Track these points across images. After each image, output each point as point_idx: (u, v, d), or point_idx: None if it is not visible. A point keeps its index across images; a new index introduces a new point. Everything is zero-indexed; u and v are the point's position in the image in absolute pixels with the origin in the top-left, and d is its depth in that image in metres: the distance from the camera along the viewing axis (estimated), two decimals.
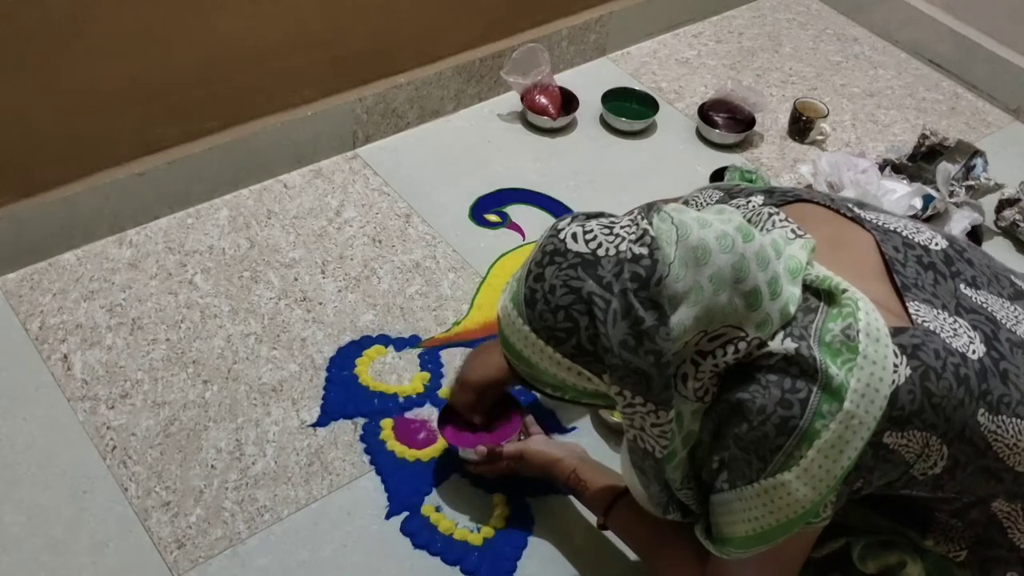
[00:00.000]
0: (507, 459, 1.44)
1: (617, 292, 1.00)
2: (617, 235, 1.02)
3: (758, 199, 1.24)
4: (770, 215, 1.17)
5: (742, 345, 1.05)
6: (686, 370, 1.07)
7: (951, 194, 2.00)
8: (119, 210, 1.83)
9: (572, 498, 1.50)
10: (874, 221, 1.22)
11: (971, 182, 2.02)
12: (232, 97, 1.86)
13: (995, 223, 2.08)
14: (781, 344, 1.05)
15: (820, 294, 1.09)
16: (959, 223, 1.94)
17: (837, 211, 1.24)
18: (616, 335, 1.00)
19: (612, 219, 1.05)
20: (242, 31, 1.79)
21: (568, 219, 1.07)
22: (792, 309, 1.06)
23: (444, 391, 1.63)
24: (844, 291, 1.08)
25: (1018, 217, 2.03)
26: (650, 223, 1.03)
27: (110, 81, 1.69)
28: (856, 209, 1.24)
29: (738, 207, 1.22)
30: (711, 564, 1.18)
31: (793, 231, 1.14)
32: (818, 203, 1.25)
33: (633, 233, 1.02)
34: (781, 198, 1.24)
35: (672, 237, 1.01)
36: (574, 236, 1.04)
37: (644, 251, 1.00)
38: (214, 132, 1.87)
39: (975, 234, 1.98)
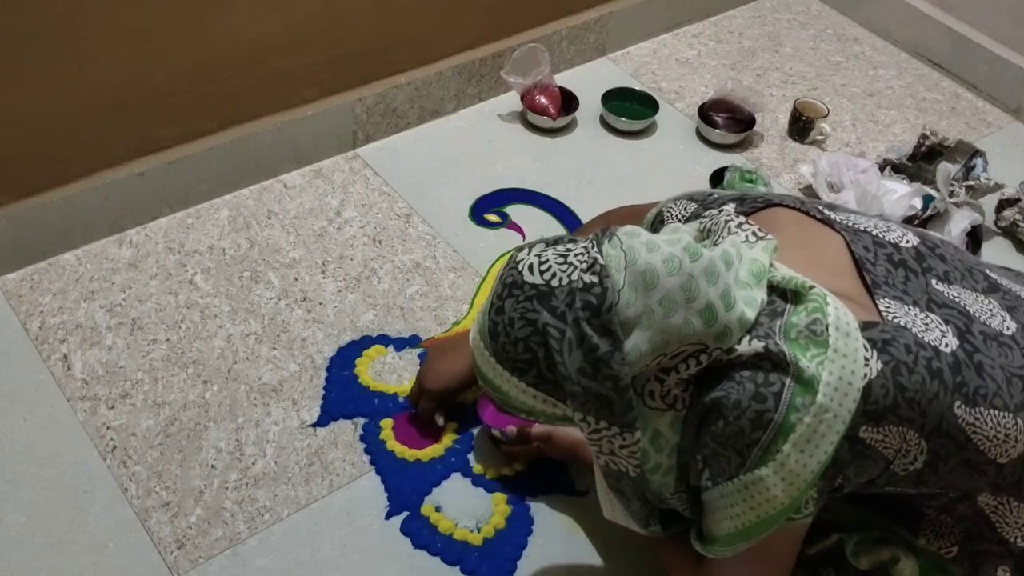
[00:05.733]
0: (536, 440, 1.47)
1: (571, 321, 1.02)
2: (570, 264, 1.04)
3: (729, 207, 1.24)
4: (727, 222, 1.17)
5: (703, 357, 1.07)
6: (652, 387, 1.09)
7: (951, 194, 2.00)
8: (119, 210, 1.83)
9: (573, 497, 1.51)
10: (844, 222, 1.24)
11: (971, 182, 2.02)
12: (232, 97, 1.86)
13: (995, 223, 2.08)
14: (749, 345, 1.06)
15: (787, 295, 1.10)
16: (959, 223, 1.94)
17: (807, 213, 1.25)
18: (573, 363, 1.03)
19: (569, 246, 1.07)
20: (242, 31, 1.79)
21: (527, 248, 1.09)
22: (751, 314, 1.07)
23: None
24: (811, 288, 1.09)
25: (1018, 217, 2.03)
26: (600, 250, 1.05)
27: (110, 81, 1.69)
28: (826, 211, 1.26)
29: (708, 218, 1.22)
30: (705, 564, 1.19)
31: (754, 233, 1.15)
32: (788, 206, 1.26)
33: (584, 261, 1.04)
34: (752, 205, 1.25)
35: (621, 263, 1.03)
36: (530, 268, 1.06)
37: (595, 279, 1.03)
38: (214, 132, 1.87)
39: (975, 234, 1.98)
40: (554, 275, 1.04)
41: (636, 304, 1.02)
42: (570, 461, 1.50)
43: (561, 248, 1.07)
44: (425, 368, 1.54)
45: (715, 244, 1.13)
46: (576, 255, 1.05)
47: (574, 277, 1.03)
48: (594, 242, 1.06)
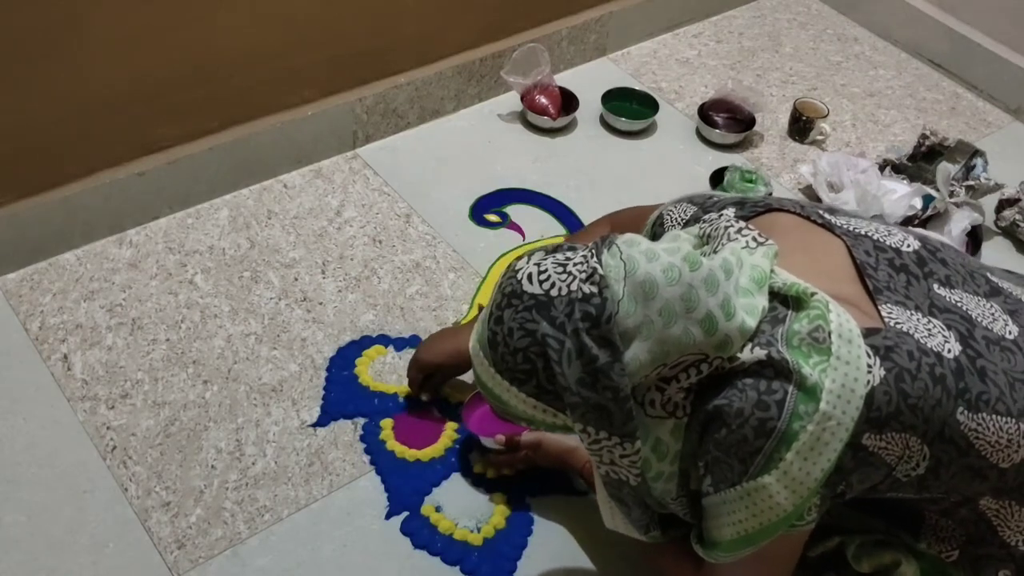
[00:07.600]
0: (525, 448, 1.47)
1: (570, 332, 1.02)
2: (569, 273, 1.04)
3: (729, 212, 1.24)
4: (726, 228, 1.17)
5: (704, 366, 1.06)
6: (652, 396, 1.09)
7: (951, 194, 2.00)
8: (119, 210, 1.83)
9: (573, 497, 1.51)
10: (844, 226, 1.23)
11: (971, 182, 2.02)
12: (232, 97, 1.86)
13: (995, 223, 2.08)
14: (751, 353, 1.06)
15: (788, 301, 1.10)
16: (959, 223, 1.94)
17: (807, 218, 1.24)
18: (572, 374, 1.03)
19: (569, 254, 1.07)
20: (242, 31, 1.79)
21: (527, 257, 1.09)
22: (752, 323, 1.06)
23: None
24: (812, 294, 1.08)
25: (1018, 217, 2.03)
26: (599, 260, 1.04)
27: (110, 81, 1.69)
28: (827, 215, 1.25)
29: (707, 222, 1.22)
30: (705, 568, 1.19)
31: (755, 239, 1.14)
32: (788, 211, 1.25)
33: (583, 271, 1.04)
34: (752, 209, 1.25)
35: (620, 273, 1.03)
36: (529, 277, 1.05)
37: (594, 289, 1.02)
38: (214, 132, 1.87)
39: (975, 234, 1.98)
40: (553, 285, 1.04)
41: (635, 314, 1.02)
42: (560, 469, 1.49)
43: (560, 257, 1.06)
44: (423, 341, 1.58)
45: (715, 251, 1.13)
46: (575, 264, 1.05)
47: (573, 287, 1.03)
48: (593, 251, 1.06)
